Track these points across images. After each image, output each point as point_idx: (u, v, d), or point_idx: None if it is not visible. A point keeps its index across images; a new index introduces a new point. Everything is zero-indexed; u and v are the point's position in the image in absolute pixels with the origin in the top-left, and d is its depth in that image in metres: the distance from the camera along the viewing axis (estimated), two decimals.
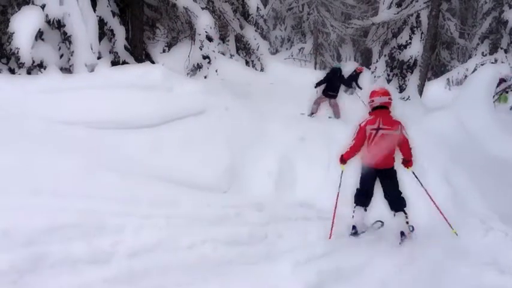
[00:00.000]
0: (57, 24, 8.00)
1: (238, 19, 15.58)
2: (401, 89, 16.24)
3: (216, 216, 5.46)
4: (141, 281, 3.74)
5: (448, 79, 23.51)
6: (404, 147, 5.98)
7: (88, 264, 3.67)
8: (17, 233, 3.65)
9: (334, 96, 11.91)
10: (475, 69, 19.98)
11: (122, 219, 4.46)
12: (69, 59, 8.26)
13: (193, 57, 11.10)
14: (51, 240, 3.75)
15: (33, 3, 7.71)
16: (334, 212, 5.72)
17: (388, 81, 16.76)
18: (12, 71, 7.80)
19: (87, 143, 6.32)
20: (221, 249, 4.68)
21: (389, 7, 16.36)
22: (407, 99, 15.34)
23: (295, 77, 17.72)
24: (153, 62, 10.85)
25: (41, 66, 7.77)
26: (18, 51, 7.41)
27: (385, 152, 5.84)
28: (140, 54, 10.62)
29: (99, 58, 8.78)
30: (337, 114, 12.02)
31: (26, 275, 3.31)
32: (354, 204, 6.16)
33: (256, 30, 16.71)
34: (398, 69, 16.41)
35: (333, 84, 11.72)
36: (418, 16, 15.62)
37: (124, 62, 9.54)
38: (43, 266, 3.45)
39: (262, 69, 16.74)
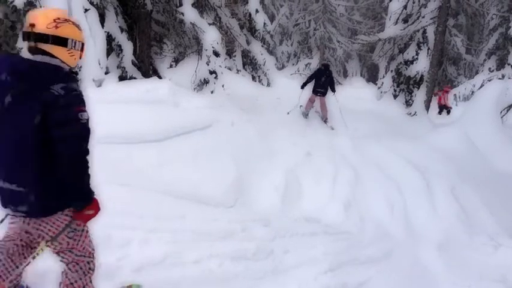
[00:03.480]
0: None
1: (245, 35, 15.65)
2: (408, 104, 16.21)
3: (222, 231, 5.45)
4: None
5: (455, 95, 23.46)
6: None
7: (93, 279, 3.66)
8: None
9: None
10: (482, 85, 19.94)
11: (128, 233, 4.46)
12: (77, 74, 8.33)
13: (200, 72, 11.16)
14: None
15: None
16: None
17: (395, 96, 16.74)
18: None
19: (94, 157, 6.33)
20: (227, 265, 4.67)
21: (396, 23, 16.39)
22: (414, 114, 15.30)
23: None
24: (160, 77, 10.90)
25: None
26: None
27: None
28: (147, 69, 10.69)
29: (106, 73, 8.85)
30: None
31: None
32: None
33: (262, 46, 16.77)
34: (405, 84, 16.38)
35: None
36: (424, 32, 15.63)
37: (131, 77, 9.59)
38: (48, 280, 3.45)
39: (268, 84, 16.78)
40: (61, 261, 2.96)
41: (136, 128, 7.36)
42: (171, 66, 12.87)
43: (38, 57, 2.52)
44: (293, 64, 29.30)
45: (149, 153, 7.01)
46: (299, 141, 9.62)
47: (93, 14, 8.59)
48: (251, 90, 13.46)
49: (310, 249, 5.71)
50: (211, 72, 11.16)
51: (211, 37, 10.90)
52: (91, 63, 8.37)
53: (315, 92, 12.31)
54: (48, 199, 2.61)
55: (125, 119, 7.40)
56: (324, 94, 12.29)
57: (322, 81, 12.20)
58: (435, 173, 8.44)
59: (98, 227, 4.38)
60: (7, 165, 2.56)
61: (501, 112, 12.90)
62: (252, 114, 10.32)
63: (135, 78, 9.69)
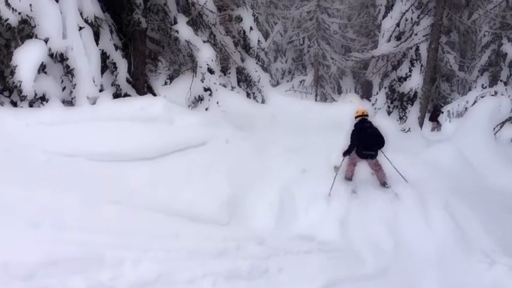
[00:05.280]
0: (60, 58, 8.08)
1: (239, 52, 15.69)
2: (402, 120, 16.29)
3: (217, 249, 5.43)
4: None
5: (448, 111, 23.62)
6: None
7: None
8: (16, 267, 3.63)
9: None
10: (475, 102, 20.08)
11: (121, 252, 4.43)
12: (71, 91, 8.31)
13: (195, 90, 11.16)
14: (50, 274, 3.72)
15: (36, 37, 7.81)
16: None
17: (389, 113, 16.83)
18: (14, 104, 7.84)
19: (88, 175, 6.31)
20: (221, 284, 4.63)
21: (389, 40, 16.53)
22: (407, 131, 15.36)
23: (296, 108, 17.82)
24: (154, 95, 10.89)
25: (43, 99, 7.81)
26: (20, 84, 7.45)
27: None
28: (142, 86, 10.68)
29: (101, 91, 8.83)
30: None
31: None
32: None
33: (257, 63, 16.80)
34: (399, 101, 16.47)
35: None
36: (417, 49, 15.76)
37: (126, 95, 9.58)
38: None
39: (263, 101, 16.81)
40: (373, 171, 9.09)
41: (130, 145, 7.35)
42: (165, 83, 12.87)
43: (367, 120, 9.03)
44: (288, 81, 29.48)
45: (143, 171, 6.99)
46: (294, 158, 9.61)
47: (88, 32, 8.61)
48: (246, 107, 13.47)
49: (305, 267, 5.69)
50: (205, 90, 11.17)
51: (205, 54, 10.93)
52: (85, 81, 8.36)
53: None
54: (377, 153, 8.73)
55: (119, 136, 7.40)
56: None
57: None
58: (430, 190, 8.44)
59: (90, 246, 4.35)
60: (373, 145, 8.65)
61: (494, 128, 12.98)
62: (246, 131, 10.33)
63: (129, 95, 9.68)
